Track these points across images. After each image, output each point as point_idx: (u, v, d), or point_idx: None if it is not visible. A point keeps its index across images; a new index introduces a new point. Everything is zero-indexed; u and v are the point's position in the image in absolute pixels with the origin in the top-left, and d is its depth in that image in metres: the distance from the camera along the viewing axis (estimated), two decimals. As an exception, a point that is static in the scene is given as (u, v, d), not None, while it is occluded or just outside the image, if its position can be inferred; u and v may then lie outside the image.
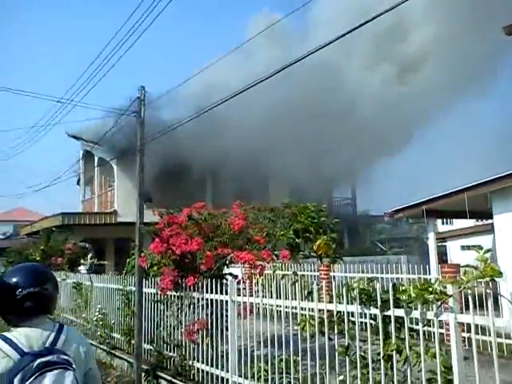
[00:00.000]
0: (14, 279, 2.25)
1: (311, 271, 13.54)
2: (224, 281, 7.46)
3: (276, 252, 7.74)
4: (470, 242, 20.52)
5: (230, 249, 7.37)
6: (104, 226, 22.22)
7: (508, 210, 11.61)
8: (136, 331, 8.24)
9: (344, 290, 4.68)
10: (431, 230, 13.73)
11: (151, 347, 8.44)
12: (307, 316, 5.18)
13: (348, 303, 4.71)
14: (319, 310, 5.05)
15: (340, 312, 4.82)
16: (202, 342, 7.09)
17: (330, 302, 4.95)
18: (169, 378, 7.48)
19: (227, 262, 7.57)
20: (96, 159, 24.79)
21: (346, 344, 4.61)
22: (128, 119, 11.94)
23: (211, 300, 7.01)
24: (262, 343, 5.82)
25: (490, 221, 18.72)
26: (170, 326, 8.01)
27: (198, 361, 7.17)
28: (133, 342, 9.16)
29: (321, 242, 12.91)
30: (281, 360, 5.59)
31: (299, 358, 5.24)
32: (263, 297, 5.90)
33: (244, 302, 6.35)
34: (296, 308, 5.43)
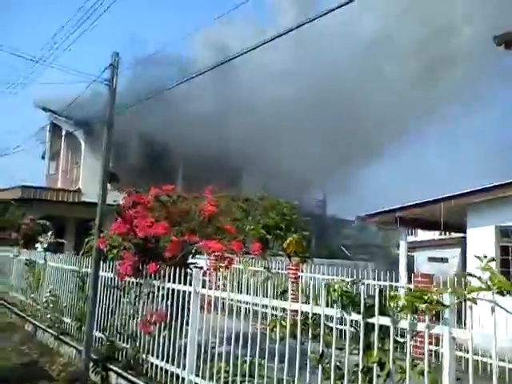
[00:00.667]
0: None
1: (279, 269, 13.09)
2: (188, 270, 6.93)
3: (245, 245, 7.25)
4: (435, 254, 20.57)
5: (198, 237, 6.83)
6: (66, 204, 21.20)
7: (482, 224, 11.46)
8: (88, 317, 7.60)
9: (323, 291, 4.22)
10: (403, 239, 13.50)
11: (103, 336, 7.82)
12: (278, 316, 4.71)
13: (327, 306, 4.25)
14: (292, 311, 4.59)
15: (315, 315, 4.36)
16: (159, 334, 6.53)
17: (306, 302, 4.48)
18: (119, 370, 6.88)
19: (194, 251, 7.04)
20: (63, 133, 23.67)
21: (320, 351, 4.16)
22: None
23: (173, 290, 6.44)
24: (224, 341, 5.31)
25: (456, 234, 18.77)
26: (126, 314, 7.41)
27: (152, 355, 6.59)
28: (84, 328, 8.52)
29: (292, 239, 12.56)
30: (244, 361, 5.11)
31: (265, 361, 4.74)
32: (231, 291, 5.39)
33: (209, 296, 5.83)
34: (266, 307, 4.95)
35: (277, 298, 4.77)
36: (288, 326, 4.52)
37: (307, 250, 13.36)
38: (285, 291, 4.70)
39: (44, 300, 10.14)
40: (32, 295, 11.27)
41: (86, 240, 9.60)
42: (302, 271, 12.05)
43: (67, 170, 24.53)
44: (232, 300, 5.37)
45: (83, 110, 17.39)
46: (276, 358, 4.59)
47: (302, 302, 4.51)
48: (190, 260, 7.52)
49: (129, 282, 7.38)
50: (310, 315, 4.36)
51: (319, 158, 22.44)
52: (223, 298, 5.48)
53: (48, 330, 9.83)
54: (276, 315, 4.74)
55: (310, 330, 4.31)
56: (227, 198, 7.81)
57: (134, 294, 7.33)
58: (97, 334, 7.91)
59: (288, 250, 12.62)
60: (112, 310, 7.85)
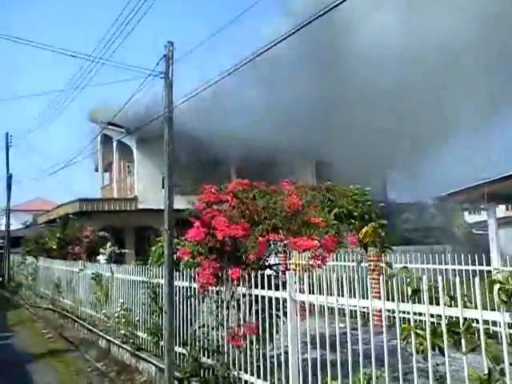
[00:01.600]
0: None
1: (353, 261, 11.99)
2: (271, 272, 6.12)
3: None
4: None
5: (283, 234, 5.97)
6: (124, 213, 20.97)
7: None
8: (167, 333, 6.91)
9: (477, 285, 3.24)
10: (491, 216, 12.14)
11: (184, 351, 7.12)
12: (412, 323, 3.76)
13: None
14: (433, 316, 3.63)
15: (466, 319, 3.39)
16: (251, 348, 5.72)
17: (443, 304, 3.50)
18: (210, 391, 6.15)
19: (279, 251, 6.20)
20: (115, 143, 23.55)
21: (486, 369, 3.18)
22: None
23: (262, 297, 5.63)
24: (338, 356, 4.40)
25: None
26: (208, 327, 6.67)
27: (246, 371, 5.80)
28: (161, 343, 7.87)
29: (368, 229, 11.38)
30: (367, 378, 4.20)
31: (399, 377, 3.80)
32: (340, 295, 4.48)
33: (310, 302, 4.94)
34: (391, 311, 4.02)
35: (410, 301, 3.80)
36: (428, 336, 3.57)
37: (384, 239, 12.12)
38: (416, 290, 3.73)
39: (116, 315, 9.60)
40: (102, 310, 10.81)
41: (154, 248, 8.98)
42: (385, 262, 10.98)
43: (121, 179, 24.41)
44: (342, 305, 4.47)
45: (133, 118, 16.92)
46: (415, 376, 3.66)
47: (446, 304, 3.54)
48: (271, 261, 6.71)
49: (208, 290, 6.64)
50: (461, 321, 3.40)
51: (383, 141, 20.78)
52: (331, 304, 4.59)
53: (123, 345, 9.29)
54: (408, 321, 3.80)
55: (462, 341, 3.35)
56: (306, 188, 6.84)
57: (215, 303, 6.57)
58: (177, 349, 7.23)
59: (364, 241, 11.49)
60: (191, 323, 7.16)
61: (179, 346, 7.25)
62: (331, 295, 4.59)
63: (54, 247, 16.55)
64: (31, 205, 56.58)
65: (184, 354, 7.10)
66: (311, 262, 6.01)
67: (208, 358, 6.57)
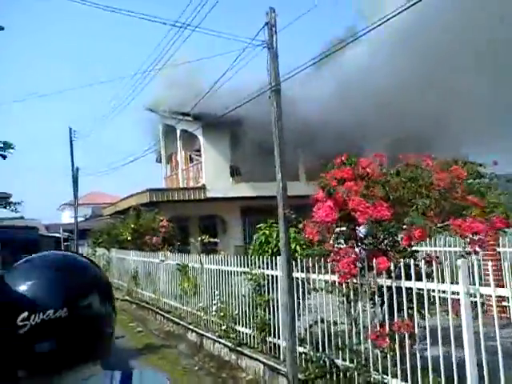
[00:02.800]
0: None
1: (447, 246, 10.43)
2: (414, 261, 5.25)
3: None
4: None
5: (435, 216, 5.09)
6: (190, 203, 20.56)
7: None
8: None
9: None
10: None
11: (302, 349, 6.40)
12: None
13: None
14: None
15: None
16: (401, 349, 4.90)
17: None
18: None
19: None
20: (178, 132, 23.13)
21: None
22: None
23: (419, 289, 4.80)
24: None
25: None
26: (334, 323, 5.91)
27: (394, 376, 4.99)
28: (269, 339, 7.23)
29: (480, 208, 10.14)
30: None
31: None
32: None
33: (499, 297, 4.06)
34: None
35: None
36: None
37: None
38: None
39: (213, 308, 9.00)
40: (192, 303, 10.27)
41: (255, 237, 8.30)
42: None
43: (186, 168, 24.05)
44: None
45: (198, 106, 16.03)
46: None
47: None
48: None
49: (333, 282, 5.88)
50: None
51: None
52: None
53: (220, 340, 8.71)
54: None
55: None
56: (445, 164, 5.83)
57: (345, 296, 5.79)
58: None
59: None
60: (297, 317, 6.48)
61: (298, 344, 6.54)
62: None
63: (129, 238, 16.28)
64: (88, 197, 58.02)
65: (304, 353, 6.39)
66: (468, 249, 5.12)
67: (337, 358, 5.81)
